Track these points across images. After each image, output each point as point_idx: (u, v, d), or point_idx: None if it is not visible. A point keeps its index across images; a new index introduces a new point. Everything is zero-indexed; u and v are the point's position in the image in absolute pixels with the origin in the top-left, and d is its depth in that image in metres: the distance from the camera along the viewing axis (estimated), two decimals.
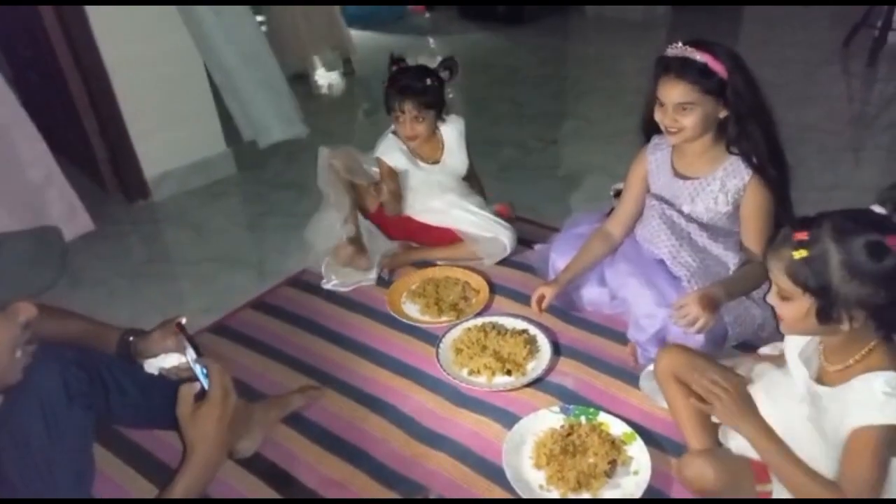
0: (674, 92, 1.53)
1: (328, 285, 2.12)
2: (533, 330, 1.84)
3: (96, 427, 1.31)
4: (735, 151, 1.59)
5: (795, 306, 1.07)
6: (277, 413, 1.60)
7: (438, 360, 1.77)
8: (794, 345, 1.20)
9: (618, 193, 1.89)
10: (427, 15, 5.44)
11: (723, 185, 1.60)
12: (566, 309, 1.91)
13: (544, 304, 1.74)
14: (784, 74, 3.70)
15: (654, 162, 1.72)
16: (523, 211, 2.43)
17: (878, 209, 1.05)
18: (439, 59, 2.12)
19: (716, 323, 1.52)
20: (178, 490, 1.03)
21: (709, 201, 1.62)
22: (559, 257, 1.86)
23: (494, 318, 1.90)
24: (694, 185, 1.64)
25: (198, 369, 1.07)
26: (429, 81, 2.04)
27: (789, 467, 1.14)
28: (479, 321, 1.90)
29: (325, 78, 4.17)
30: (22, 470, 1.16)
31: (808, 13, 4.67)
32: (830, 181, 2.56)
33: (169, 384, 1.35)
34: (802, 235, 1.03)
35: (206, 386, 1.07)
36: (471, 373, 1.74)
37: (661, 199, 1.70)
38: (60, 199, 2.35)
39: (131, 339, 1.33)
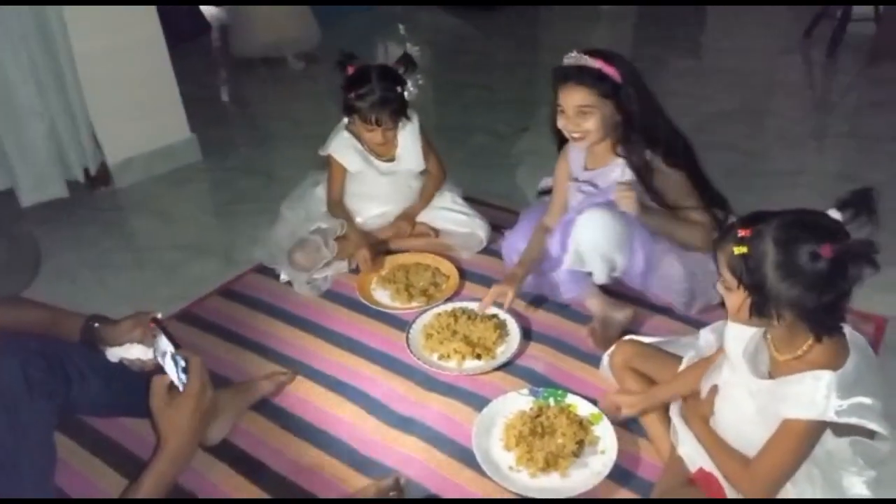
0: (573, 97, 1.64)
1: (302, 289, 2.03)
2: (503, 315, 1.85)
3: (59, 416, 1.29)
4: (620, 153, 1.70)
5: (734, 297, 1.10)
6: (245, 399, 1.59)
7: (409, 346, 1.77)
8: (735, 344, 1.23)
9: (543, 192, 2.03)
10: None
11: (623, 172, 1.72)
12: (536, 293, 1.93)
13: (507, 305, 1.78)
14: (747, 63, 3.78)
15: (573, 161, 1.84)
16: (495, 197, 2.44)
17: (834, 214, 1.07)
18: (399, 52, 2.07)
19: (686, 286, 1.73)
20: (150, 480, 1.02)
21: (611, 181, 1.73)
22: (513, 243, 1.92)
23: (464, 304, 1.91)
24: (602, 173, 1.77)
25: (176, 362, 1.05)
26: (399, 89, 2.00)
27: (718, 448, 1.21)
28: (450, 306, 1.90)
29: (293, 64, 4.11)
30: None
31: (771, 4, 4.75)
32: (792, 166, 2.62)
33: (130, 373, 1.34)
34: (745, 232, 1.06)
35: (181, 379, 1.05)
36: (441, 357, 1.75)
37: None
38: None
39: (96, 325, 1.31)
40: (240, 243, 2.33)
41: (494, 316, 1.85)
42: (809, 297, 1.02)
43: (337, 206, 2.13)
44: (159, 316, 1.29)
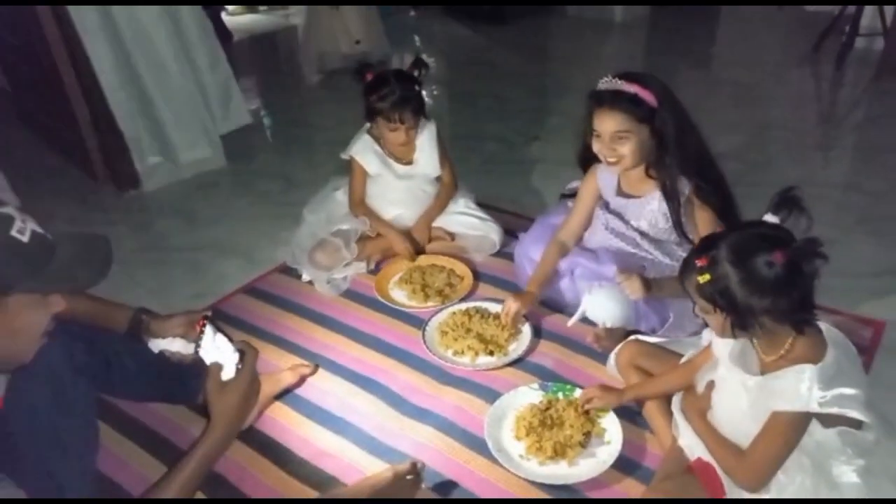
0: (609, 122, 1.63)
1: (323, 288, 2.12)
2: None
3: (99, 399, 1.38)
4: (653, 175, 1.71)
5: (714, 319, 1.20)
6: (271, 389, 1.68)
7: (425, 342, 1.86)
8: (723, 348, 1.31)
9: (566, 195, 2.05)
10: (412, 13, 5.52)
11: (661, 205, 1.74)
12: (547, 301, 2.00)
13: (512, 316, 1.82)
14: (756, 76, 3.85)
15: (603, 180, 1.85)
16: (506, 203, 2.53)
17: (770, 218, 1.17)
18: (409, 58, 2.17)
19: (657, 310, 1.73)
20: (198, 456, 1.09)
21: (650, 218, 1.77)
22: (525, 248, 1.99)
23: (478, 303, 2.00)
24: (637, 204, 1.78)
25: (232, 355, 1.14)
26: (417, 88, 2.10)
27: (714, 440, 1.28)
28: (464, 306, 1.99)
29: (309, 76, 4.23)
30: (33, 441, 1.23)
31: (781, 17, 4.83)
32: (797, 176, 2.69)
33: (166, 363, 1.43)
34: (702, 261, 1.16)
35: (237, 368, 1.14)
36: (455, 353, 1.83)
37: (609, 210, 1.84)
38: None
39: (144, 317, 1.42)
40: (261, 244, 2.43)
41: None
42: (780, 301, 1.12)
43: (360, 206, 2.23)
44: (209, 314, 1.34)
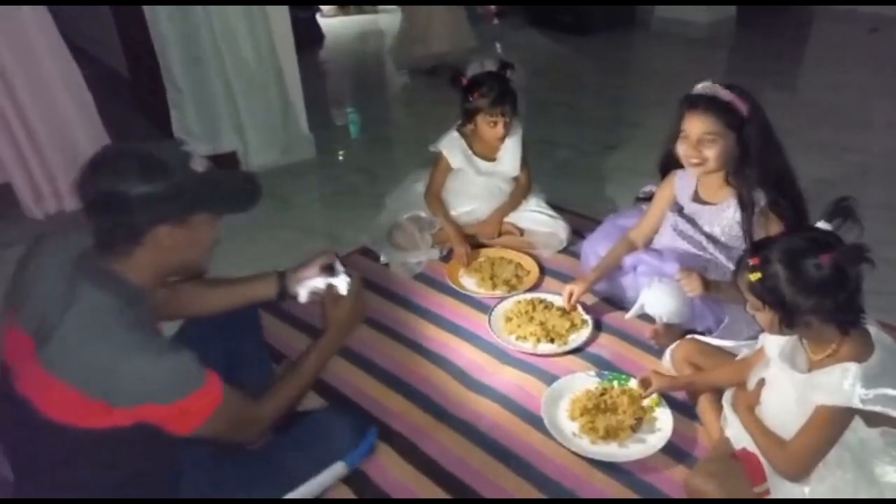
0: (700, 124, 1.71)
1: (398, 270, 2.29)
2: (578, 307, 2.05)
3: None
4: (731, 183, 1.78)
5: (764, 316, 1.28)
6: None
7: (490, 325, 2.00)
8: (774, 347, 1.39)
9: (641, 199, 2.14)
10: (496, 22, 5.68)
11: (735, 213, 1.80)
12: (609, 297, 2.11)
13: (573, 300, 1.96)
14: (839, 99, 3.78)
15: (680, 187, 1.93)
16: (576, 206, 2.63)
17: (823, 225, 1.25)
18: (492, 62, 2.30)
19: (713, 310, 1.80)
20: (317, 351, 1.42)
21: (724, 225, 1.84)
22: (591, 244, 2.10)
23: (543, 295, 2.12)
24: (712, 210, 1.85)
25: (345, 280, 1.49)
26: (510, 84, 2.26)
27: (759, 431, 1.35)
28: (529, 296, 2.12)
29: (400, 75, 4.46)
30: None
31: (872, 43, 4.70)
32: (875, 199, 2.67)
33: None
34: (755, 261, 1.25)
35: (344, 291, 1.48)
36: (518, 339, 1.96)
37: (681, 214, 1.90)
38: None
39: (285, 274, 1.56)
40: (345, 229, 2.64)
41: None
42: (826, 301, 1.20)
43: (435, 200, 2.40)
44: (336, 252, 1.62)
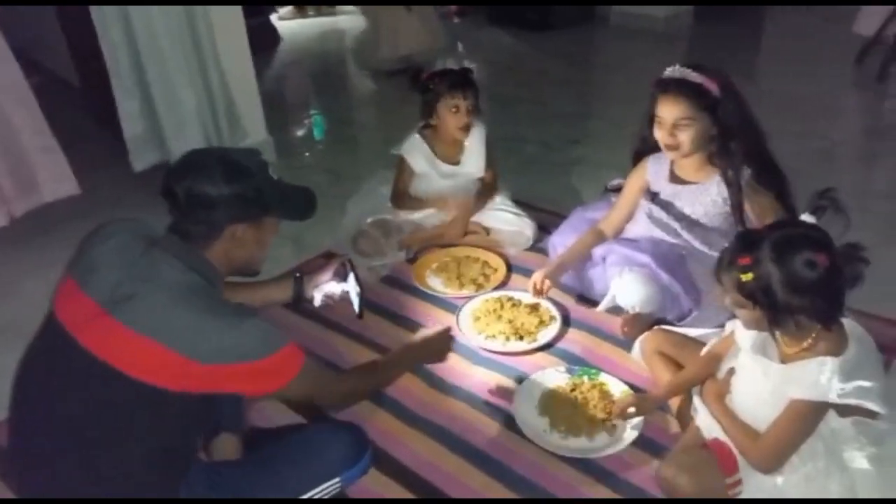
0: (673, 109, 1.70)
1: (364, 274, 2.17)
2: (545, 304, 2.03)
3: None
4: (716, 163, 1.77)
5: (748, 314, 1.26)
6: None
7: (458, 325, 1.97)
8: (745, 338, 1.38)
9: (610, 189, 2.13)
10: (456, 20, 5.65)
11: (720, 190, 1.79)
12: (578, 292, 2.09)
13: (539, 285, 1.91)
14: (797, 86, 3.85)
15: (654, 172, 1.91)
16: (543, 202, 2.62)
17: (808, 218, 1.23)
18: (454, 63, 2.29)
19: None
20: (403, 356, 1.69)
21: (708, 204, 1.83)
22: (559, 237, 2.08)
23: (510, 293, 2.10)
24: (693, 190, 1.84)
25: (358, 292, 1.60)
26: (471, 75, 2.24)
27: (730, 422, 1.35)
28: (496, 294, 2.09)
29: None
30: None
31: (825, 29, 4.80)
32: (834, 184, 2.71)
33: None
34: (745, 260, 1.21)
35: (359, 303, 1.62)
36: (487, 338, 1.93)
37: (655, 201, 1.89)
38: (53, 164, 2.63)
39: (302, 278, 1.69)
40: (309, 231, 2.58)
41: (537, 304, 2.03)
42: (818, 301, 1.18)
43: (402, 198, 2.37)
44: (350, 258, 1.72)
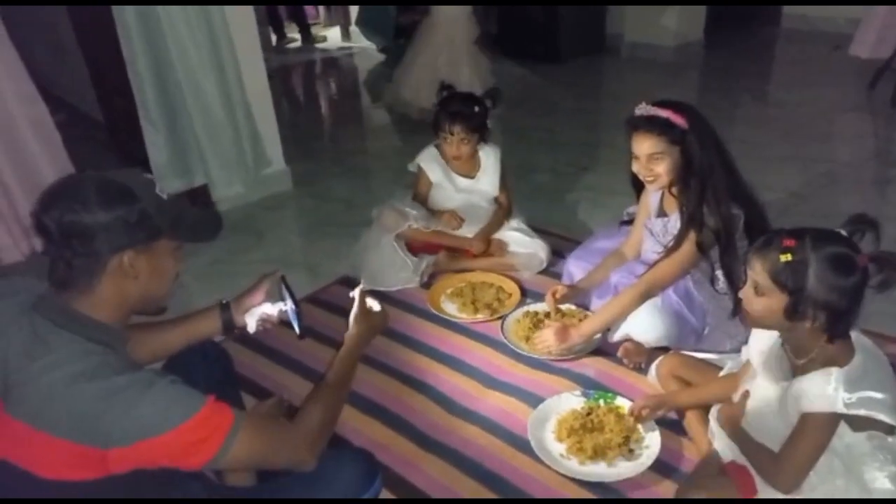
0: (644, 145, 1.77)
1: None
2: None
3: None
4: (674, 194, 1.83)
5: (767, 301, 1.25)
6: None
7: (503, 331, 2.05)
8: (757, 356, 1.39)
9: (624, 222, 2.18)
10: None
11: (677, 223, 1.83)
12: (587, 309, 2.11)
13: (558, 296, 1.98)
14: (808, 113, 3.87)
15: (651, 204, 1.99)
16: (555, 227, 2.64)
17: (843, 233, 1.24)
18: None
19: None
20: (340, 356, 1.38)
21: (668, 232, 1.87)
22: (574, 264, 2.13)
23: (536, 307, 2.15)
24: (663, 223, 1.91)
25: (295, 310, 1.38)
26: (476, 108, 2.30)
27: (747, 444, 1.35)
28: (534, 308, 2.14)
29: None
30: None
31: (837, 58, 4.83)
32: (845, 210, 2.69)
33: None
34: (790, 242, 1.21)
35: (299, 324, 1.39)
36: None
37: (647, 228, 1.97)
38: None
39: (228, 305, 1.46)
40: (324, 259, 2.62)
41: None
42: (843, 301, 1.18)
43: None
44: (283, 274, 1.50)
